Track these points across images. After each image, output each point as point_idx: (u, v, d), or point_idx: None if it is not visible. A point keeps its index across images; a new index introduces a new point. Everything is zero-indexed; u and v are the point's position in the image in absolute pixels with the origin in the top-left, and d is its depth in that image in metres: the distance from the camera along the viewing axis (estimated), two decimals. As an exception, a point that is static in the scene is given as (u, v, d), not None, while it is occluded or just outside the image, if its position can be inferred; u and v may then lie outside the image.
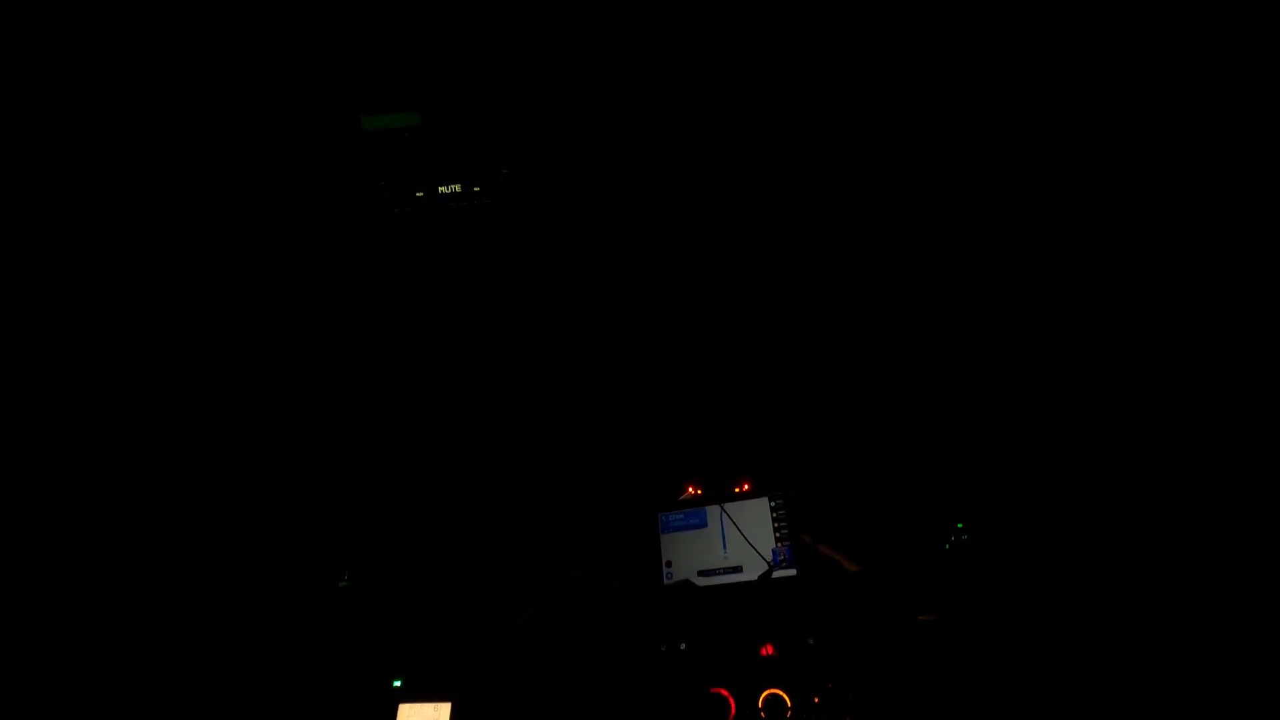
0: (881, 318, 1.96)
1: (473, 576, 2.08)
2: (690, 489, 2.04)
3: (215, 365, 1.91)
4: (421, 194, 1.69)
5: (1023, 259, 1.78)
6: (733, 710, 1.63)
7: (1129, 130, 1.57)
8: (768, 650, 1.70)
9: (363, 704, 1.85)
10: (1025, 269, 1.79)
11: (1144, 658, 1.45)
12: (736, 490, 1.99)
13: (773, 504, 1.93)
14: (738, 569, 1.90)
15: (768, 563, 1.87)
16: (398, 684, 1.86)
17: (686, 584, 1.91)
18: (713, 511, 1.98)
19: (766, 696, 1.62)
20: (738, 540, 1.92)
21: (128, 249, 1.70)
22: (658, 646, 1.78)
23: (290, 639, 1.98)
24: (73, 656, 1.70)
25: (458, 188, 1.69)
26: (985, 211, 1.76)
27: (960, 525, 1.81)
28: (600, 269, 1.88)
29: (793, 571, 1.85)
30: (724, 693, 1.65)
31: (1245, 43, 1.40)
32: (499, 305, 1.95)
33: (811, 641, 1.68)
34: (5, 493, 1.68)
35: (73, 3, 1.33)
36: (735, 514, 1.95)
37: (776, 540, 1.89)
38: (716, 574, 1.91)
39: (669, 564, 1.96)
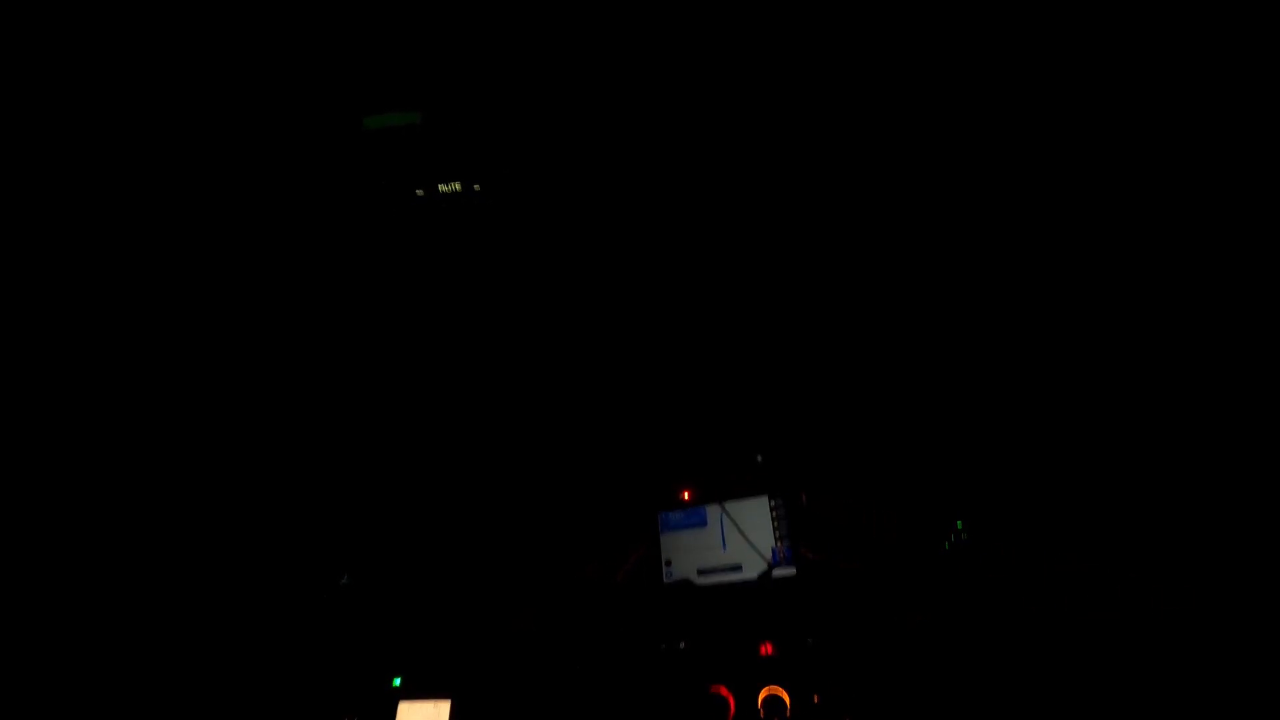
0: (881, 318, 1.96)
1: (473, 576, 2.08)
2: (684, 494, 2.03)
3: (215, 364, 1.91)
4: (422, 193, 1.69)
5: (1021, 259, 1.78)
6: (732, 709, 1.63)
7: (1131, 130, 1.57)
8: (767, 649, 1.70)
9: (363, 703, 1.85)
10: (1024, 268, 1.79)
11: (1144, 658, 1.45)
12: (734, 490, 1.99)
13: (772, 503, 1.93)
14: (737, 568, 1.90)
15: (767, 562, 1.87)
16: (397, 683, 1.86)
17: (686, 583, 1.91)
18: (712, 511, 1.98)
19: (766, 696, 1.62)
20: (737, 539, 1.92)
21: (129, 247, 1.70)
22: (658, 646, 1.78)
23: (290, 639, 1.98)
24: (73, 656, 1.70)
25: (458, 186, 1.69)
26: (984, 211, 1.76)
27: (960, 525, 1.81)
28: (601, 268, 1.88)
29: (792, 571, 1.85)
30: (724, 692, 1.65)
31: (1245, 43, 1.40)
32: (499, 304, 1.95)
33: (811, 641, 1.68)
34: (6, 493, 1.69)
35: (76, 2, 1.34)
36: (735, 513, 1.95)
37: (776, 539, 1.89)
38: (716, 573, 1.91)
39: (669, 563, 1.96)
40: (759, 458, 1.98)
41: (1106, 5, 1.39)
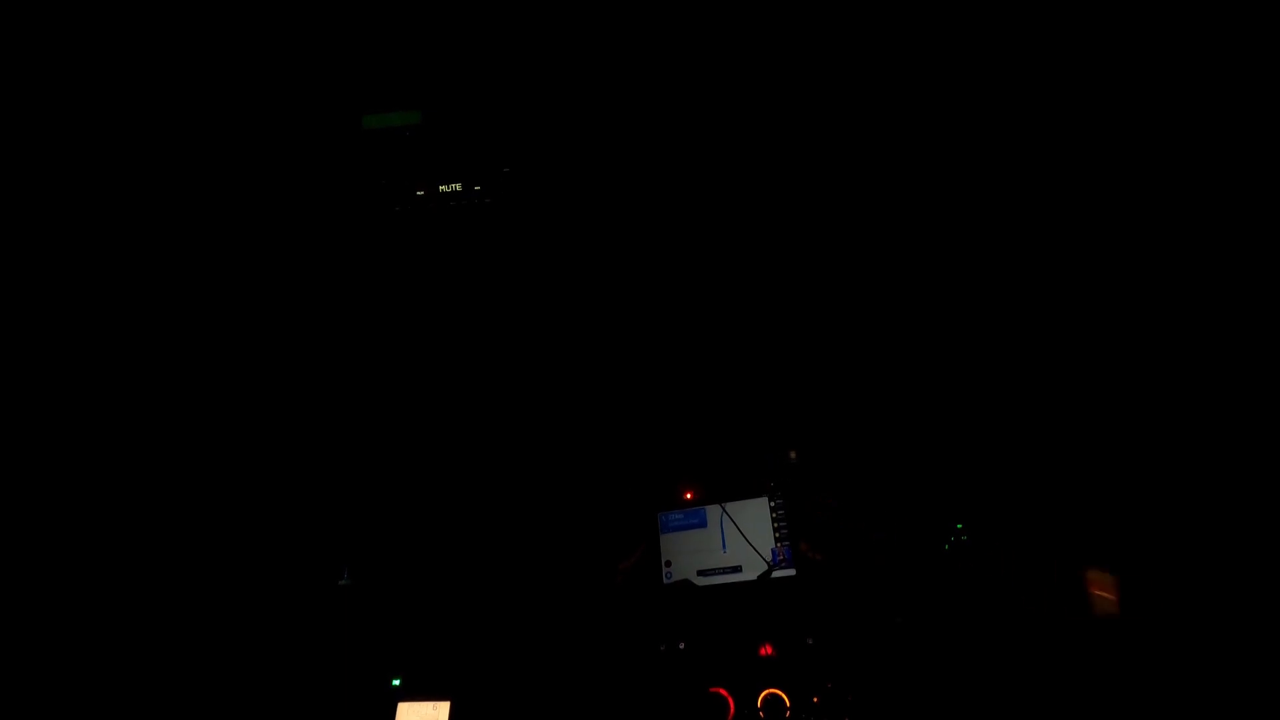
0: (880, 319, 1.96)
1: (473, 576, 2.08)
2: (687, 493, 2.03)
3: (215, 364, 1.91)
4: (422, 193, 1.69)
5: (1021, 261, 1.78)
6: (732, 710, 1.63)
7: (1131, 131, 1.57)
8: (767, 650, 1.70)
9: (362, 703, 1.85)
10: (1024, 271, 1.79)
11: (1144, 658, 1.45)
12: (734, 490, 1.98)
13: (772, 504, 1.93)
14: (737, 569, 1.90)
15: (767, 563, 1.87)
16: (397, 683, 1.86)
17: (686, 584, 1.91)
18: (712, 511, 1.98)
19: (766, 696, 1.62)
20: (737, 540, 1.92)
21: (129, 248, 1.70)
22: (657, 646, 1.78)
23: (290, 639, 1.98)
24: (73, 657, 1.70)
25: (459, 186, 1.69)
26: (986, 214, 1.76)
27: (960, 525, 1.80)
28: (601, 268, 1.88)
29: (792, 571, 1.85)
30: (723, 693, 1.65)
31: (1245, 43, 1.40)
32: (499, 305, 1.95)
33: (811, 641, 1.68)
34: (5, 493, 1.69)
35: (76, 2, 1.34)
36: (735, 514, 1.95)
37: (776, 540, 1.89)
38: (716, 574, 1.91)
39: (668, 564, 1.96)
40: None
41: (1106, 5, 1.40)
